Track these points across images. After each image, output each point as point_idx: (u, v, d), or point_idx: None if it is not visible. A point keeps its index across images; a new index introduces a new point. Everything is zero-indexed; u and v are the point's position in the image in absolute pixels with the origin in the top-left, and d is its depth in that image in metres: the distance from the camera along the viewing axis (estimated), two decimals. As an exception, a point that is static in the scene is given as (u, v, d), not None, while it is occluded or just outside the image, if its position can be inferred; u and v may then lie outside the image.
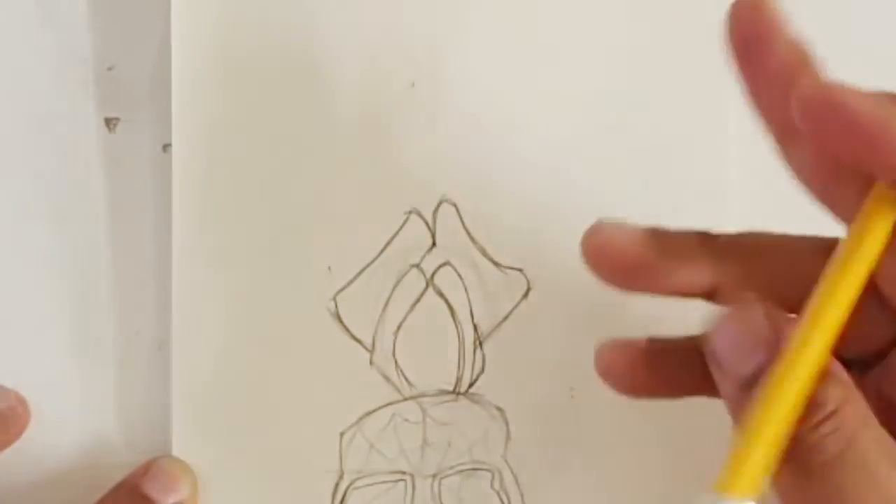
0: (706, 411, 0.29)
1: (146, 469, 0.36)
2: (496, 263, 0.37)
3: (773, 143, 0.29)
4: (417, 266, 0.37)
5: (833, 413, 0.26)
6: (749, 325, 0.27)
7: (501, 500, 0.37)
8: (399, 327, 0.37)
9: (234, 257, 0.37)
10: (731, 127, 0.38)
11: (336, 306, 0.37)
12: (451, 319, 0.37)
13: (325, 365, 0.37)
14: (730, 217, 0.38)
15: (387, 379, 0.37)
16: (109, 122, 0.38)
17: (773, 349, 0.26)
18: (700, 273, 0.29)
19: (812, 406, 0.26)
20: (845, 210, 0.28)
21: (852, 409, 0.26)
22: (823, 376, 0.26)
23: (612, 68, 0.38)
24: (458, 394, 0.37)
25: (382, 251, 0.37)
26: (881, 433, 0.27)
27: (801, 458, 0.26)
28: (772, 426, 0.26)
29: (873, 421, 0.27)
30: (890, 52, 0.40)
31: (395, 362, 0.37)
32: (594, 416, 0.37)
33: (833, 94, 0.27)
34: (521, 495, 0.37)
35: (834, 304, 0.27)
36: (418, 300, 0.37)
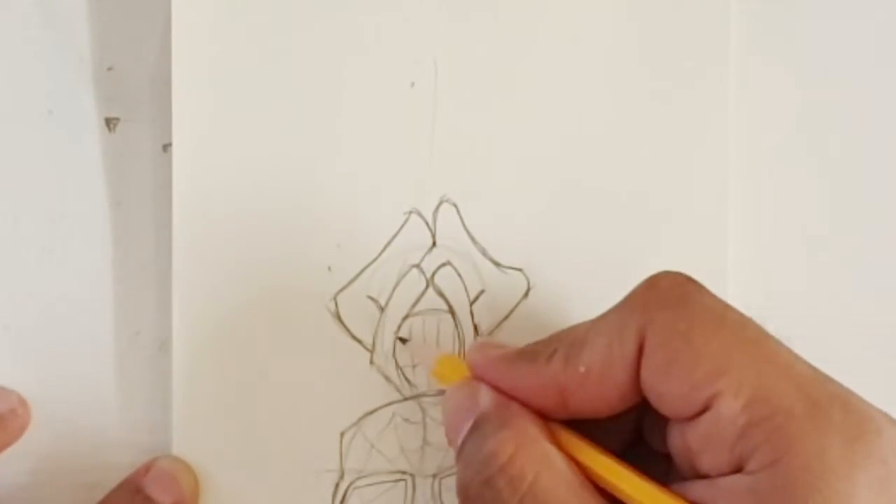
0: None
1: (147, 469, 0.36)
2: (496, 263, 0.37)
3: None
4: (417, 266, 0.37)
5: (506, 464, 0.29)
6: (455, 402, 0.32)
7: (501, 499, 0.37)
8: (399, 327, 0.37)
9: (234, 257, 0.37)
10: (731, 127, 0.38)
11: (336, 306, 0.37)
12: (451, 319, 0.37)
13: (325, 365, 0.37)
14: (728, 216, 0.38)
15: (387, 379, 0.37)
16: (109, 122, 0.38)
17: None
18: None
19: (487, 458, 0.29)
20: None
21: (525, 454, 0.29)
22: (498, 426, 0.30)
23: (612, 66, 0.38)
24: (459, 394, 0.37)
25: (382, 251, 0.37)
26: (560, 470, 0.29)
27: None
28: None
29: (552, 460, 0.29)
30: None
31: (395, 362, 0.37)
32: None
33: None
34: (521, 495, 0.37)
35: None
36: (418, 300, 0.37)
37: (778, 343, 0.29)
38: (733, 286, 0.38)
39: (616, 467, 0.30)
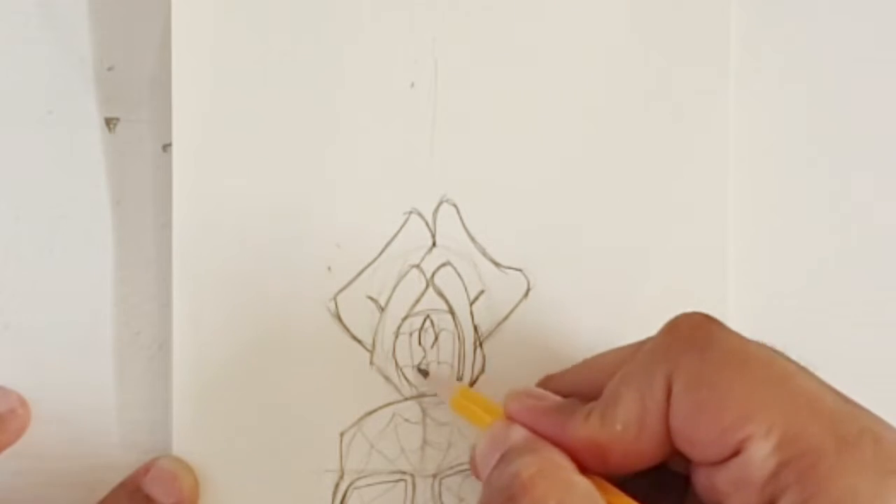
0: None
1: (147, 469, 0.36)
2: (496, 263, 0.37)
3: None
4: (417, 266, 0.37)
5: (528, 484, 0.28)
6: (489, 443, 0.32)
7: (501, 499, 0.37)
8: (399, 327, 0.37)
9: (234, 257, 0.37)
10: (731, 128, 0.38)
11: (336, 306, 0.37)
12: (451, 319, 0.37)
13: (325, 365, 0.37)
14: (727, 213, 0.38)
15: (387, 379, 0.37)
16: (109, 122, 0.38)
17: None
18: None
19: (509, 478, 0.29)
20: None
21: (548, 478, 0.29)
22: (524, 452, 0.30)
23: (613, 66, 0.38)
24: (459, 394, 0.37)
25: (382, 251, 0.37)
26: (586, 491, 0.29)
27: None
28: None
29: (577, 487, 0.29)
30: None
31: (395, 362, 0.37)
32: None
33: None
34: (521, 495, 0.37)
35: None
36: (418, 300, 0.37)
37: (805, 376, 0.29)
38: (733, 286, 0.38)
39: None
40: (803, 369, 0.29)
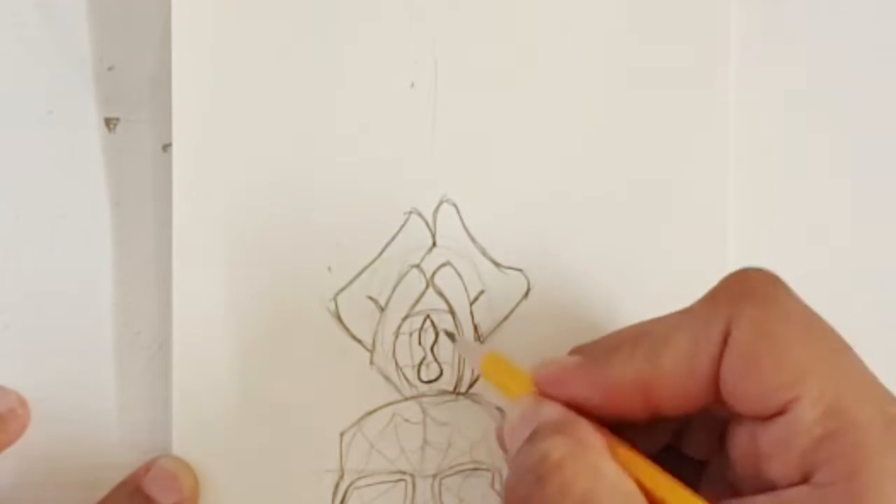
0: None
1: (147, 469, 0.36)
2: (496, 263, 0.37)
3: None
4: (417, 266, 0.37)
5: (556, 466, 0.28)
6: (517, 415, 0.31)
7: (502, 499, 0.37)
8: (399, 327, 0.37)
9: (234, 257, 0.37)
10: (731, 127, 0.38)
11: (336, 306, 0.37)
12: (451, 319, 0.37)
13: (325, 365, 0.37)
14: (727, 209, 0.38)
15: (387, 379, 0.37)
16: (109, 122, 0.38)
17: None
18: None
19: (539, 457, 0.28)
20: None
21: (577, 461, 0.28)
22: (554, 432, 0.29)
23: (613, 65, 0.38)
24: (458, 394, 0.37)
25: (382, 251, 0.37)
26: (612, 483, 0.28)
27: None
28: None
29: (606, 471, 0.28)
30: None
31: (395, 362, 0.37)
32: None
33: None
34: (521, 495, 0.37)
35: None
36: (418, 300, 0.37)
37: (857, 357, 0.29)
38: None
39: (677, 488, 0.29)
40: (857, 354, 0.29)
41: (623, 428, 0.31)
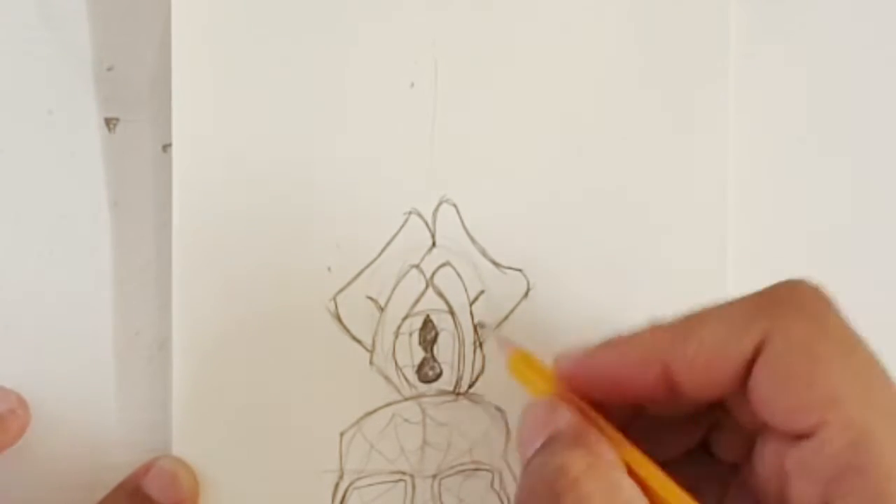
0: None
1: (147, 469, 0.36)
2: (496, 263, 0.37)
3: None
4: (417, 266, 0.37)
5: (573, 482, 0.27)
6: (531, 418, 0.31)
7: (501, 500, 0.37)
8: (399, 327, 0.37)
9: (233, 257, 0.37)
10: (731, 128, 0.38)
11: (336, 306, 0.37)
12: (450, 319, 0.37)
13: (325, 365, 0.37)
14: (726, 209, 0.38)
15: (387, 379, 0.37)
16: (109, 122, 0.38)
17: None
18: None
19: (555, 471, 0.28)
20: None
21: (594, 477, 0.28)
22: (572, 444, 0.29)
23: (612, 66, 0.38)
24: (458, 394, 0.37)
25: (382, 251, 0.37)
26: (629, 497, 0.28)
27: None
28: None
29: (623, 485, 0.28)
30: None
31: (395, 362, 0.37)
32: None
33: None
34: (521, 495, 0.37)
35: None
36: (418, 300, 0.37)
37: (892, 382, 0.28)
38: (733, 286, 0.38)
39: (691, 502, 0.29)
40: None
41: (652, 427, 0.30)
